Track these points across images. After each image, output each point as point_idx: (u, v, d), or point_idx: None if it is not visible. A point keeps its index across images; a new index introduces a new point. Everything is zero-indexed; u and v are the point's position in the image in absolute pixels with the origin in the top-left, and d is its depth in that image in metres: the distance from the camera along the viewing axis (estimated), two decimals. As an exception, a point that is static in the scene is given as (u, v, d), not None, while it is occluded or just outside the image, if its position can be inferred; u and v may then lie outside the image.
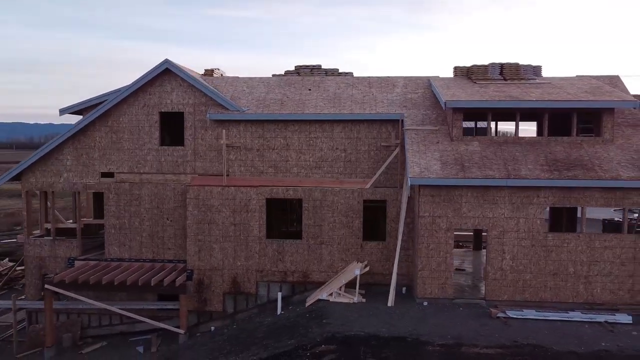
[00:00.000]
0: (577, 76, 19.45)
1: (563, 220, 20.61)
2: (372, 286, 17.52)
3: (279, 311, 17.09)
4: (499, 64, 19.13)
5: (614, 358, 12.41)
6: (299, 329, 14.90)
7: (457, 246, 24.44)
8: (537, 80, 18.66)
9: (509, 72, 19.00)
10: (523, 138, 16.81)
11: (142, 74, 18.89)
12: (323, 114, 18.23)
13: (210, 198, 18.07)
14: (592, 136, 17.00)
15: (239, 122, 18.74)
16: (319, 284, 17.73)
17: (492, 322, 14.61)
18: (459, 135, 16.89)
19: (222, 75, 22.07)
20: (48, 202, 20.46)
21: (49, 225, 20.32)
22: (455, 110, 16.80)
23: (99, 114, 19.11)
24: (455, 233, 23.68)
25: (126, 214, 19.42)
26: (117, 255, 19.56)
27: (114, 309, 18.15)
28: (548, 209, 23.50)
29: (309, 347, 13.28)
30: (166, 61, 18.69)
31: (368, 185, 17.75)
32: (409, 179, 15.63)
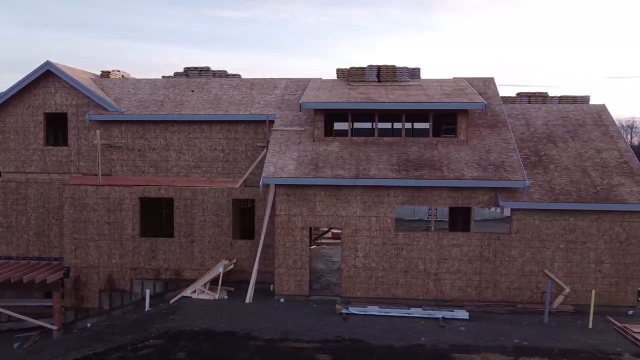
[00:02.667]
0: (453, 78, 19.85)
1: (458, 220, 20.89)
2: (242, 283, 17.83)
3: (146, 308, 17.45)
4: (377, 66, 19.53)
5: (424, 350, 12.79)
6: (147, 324, 15.25)
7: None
8: (410, 82, 19.07)
9: (385, 74, 19.40)
10: (382, 138, 17.21)
11: (25, 75, 19.25)
12: (199, 114, 18.62)
13: (85, 197, 18.40)
14: (452, 137, 17.39)
15: (120, 122, 19.12)
16: (191, 282, 18.06)
17: (332, 318, 14.99)
18: (321, 136, 17.28)
19: (122, 76, 22.43)
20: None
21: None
22: (317, 111, 17.20)
23: (-18, 115, 19.46)
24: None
25: (13, 213, 19.77)
26: (4, 254, 19.88)
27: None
28: (447, 209, 24.01)
29: (139, 342, 13.63)
30: (47, 63, 19.05)
31: (238, 185, 18.12)
32: (262, 178, 16.03)
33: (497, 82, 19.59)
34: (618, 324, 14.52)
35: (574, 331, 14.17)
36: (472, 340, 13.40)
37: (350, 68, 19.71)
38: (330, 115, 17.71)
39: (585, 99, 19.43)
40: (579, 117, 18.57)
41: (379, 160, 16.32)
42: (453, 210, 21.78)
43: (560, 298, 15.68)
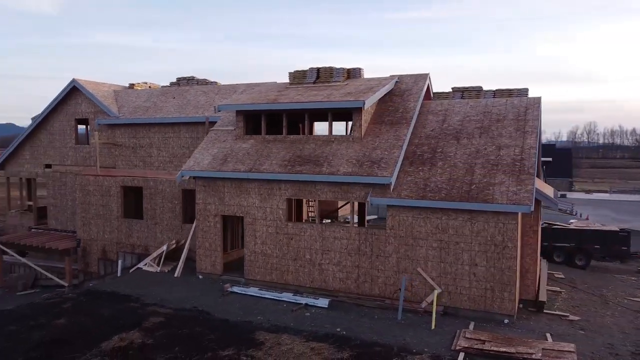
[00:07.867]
0: (389, 76, 19.91)
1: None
2: (189, 261, 20.87)
3: (118, 274, 21.62)
4: (317, 68, 20.68)
5: (247, 326, 14.22)
6: (91, 285, 19.29)
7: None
8: (339, 83, 19.82)
9: (324, 76, 20.44)
10: (289, 137, 18.52)
11: (60, 91, 25.08)
12: (167, 117, 22.18)
13: (88, 185, 23.34)
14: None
15: (120, 125, 23.72)
16: (155, 257, 21.70)
17: (215, 294, 17.11)
18: (241, 135, 19.32)
19: (149, 87, 27.27)
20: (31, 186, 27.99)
21: (30, 203, 27.93)
22: (238, 112, 19.31)
23: (39, 121, 25.86)
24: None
25: (59, 196, 25.84)
26: (53, 227, 26.12)
27: (26, 261, 24.59)
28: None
29: (59, 295, 17.67)
30: (73, 80, 24.56)
31: (187, 177, 21.13)
32: (180, 171, 18.81)
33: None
34: (471, 329, 13.88)
35: (411, 330, 14.02)
36: (297, 324, 14.36)
37: (295, 71, 21.19)
38: (251, 116, 19.58)
39: (522, 92, 17.85)
40: (502, 112, 17.27)
41: (277, 157, 17.80)
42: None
43: (428, 299, 15.32)
